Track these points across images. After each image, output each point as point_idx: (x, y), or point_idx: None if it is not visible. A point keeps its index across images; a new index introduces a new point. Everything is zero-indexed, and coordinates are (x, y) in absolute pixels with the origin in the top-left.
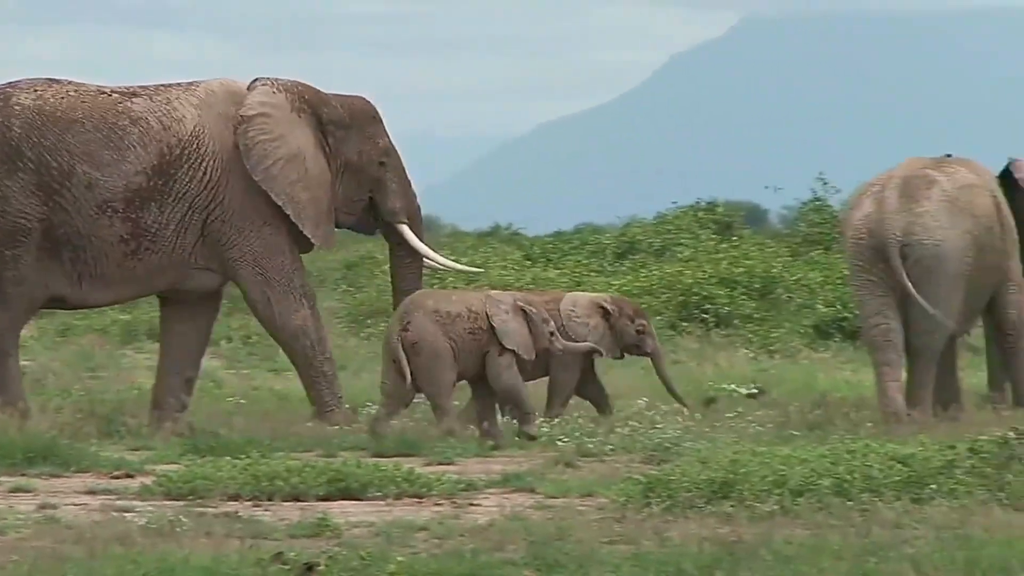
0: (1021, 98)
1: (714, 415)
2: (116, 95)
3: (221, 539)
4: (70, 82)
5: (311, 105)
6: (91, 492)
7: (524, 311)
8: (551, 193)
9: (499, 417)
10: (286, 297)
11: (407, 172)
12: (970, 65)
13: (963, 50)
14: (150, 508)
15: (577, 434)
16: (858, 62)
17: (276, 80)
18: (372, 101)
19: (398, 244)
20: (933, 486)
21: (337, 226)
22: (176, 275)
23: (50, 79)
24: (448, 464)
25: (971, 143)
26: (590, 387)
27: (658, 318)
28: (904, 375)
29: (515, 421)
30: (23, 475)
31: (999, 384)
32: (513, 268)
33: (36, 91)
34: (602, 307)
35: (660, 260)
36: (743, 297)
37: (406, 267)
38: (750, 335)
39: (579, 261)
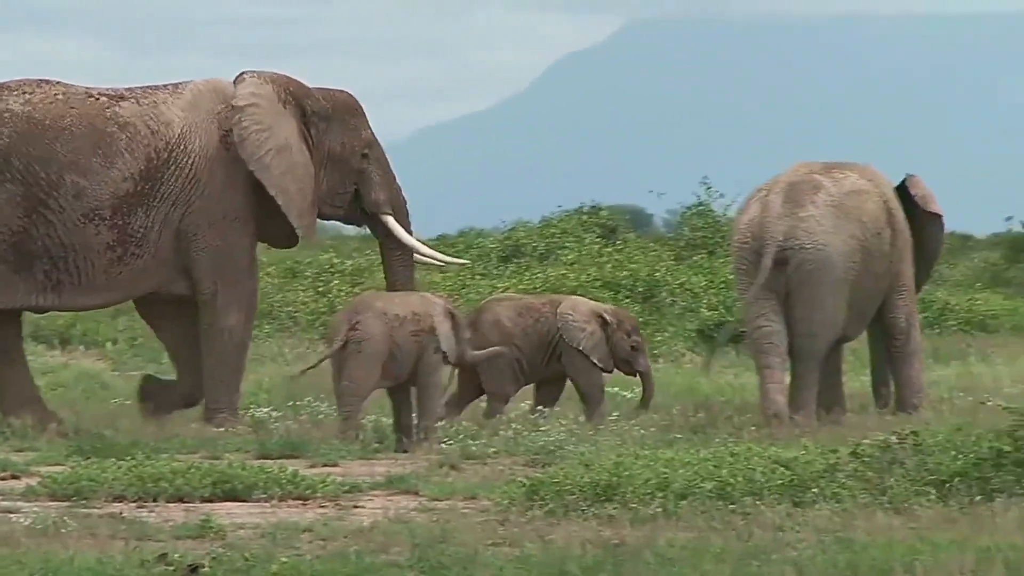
0: (900, 100)
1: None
2: (104, 99)
3: (106, 540)
4: (59, 83)
5: (295, 97)
6: None
7: (453, 315)
8: (434, 197)
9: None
10: (231, 296)
11: (390, 165)
12: (850, 68)
13: (841, 54)
14: (35, 509)
15: (461, 437)
16: (741, 66)
17: (262, 73)
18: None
19: (386, 236)
20: (815, 490)
21: (325, 218)
22: (161, 277)
23: (40, 80)
24: (332, 466)
25: (851, 146)
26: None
27: None
28: (787, 378)
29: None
30: None
31: (883, 387)
32: None
33: (26, 95)
34: (601, 316)
35: (544, 264)
36: (627, 301)
37: (396, 259)
38: None
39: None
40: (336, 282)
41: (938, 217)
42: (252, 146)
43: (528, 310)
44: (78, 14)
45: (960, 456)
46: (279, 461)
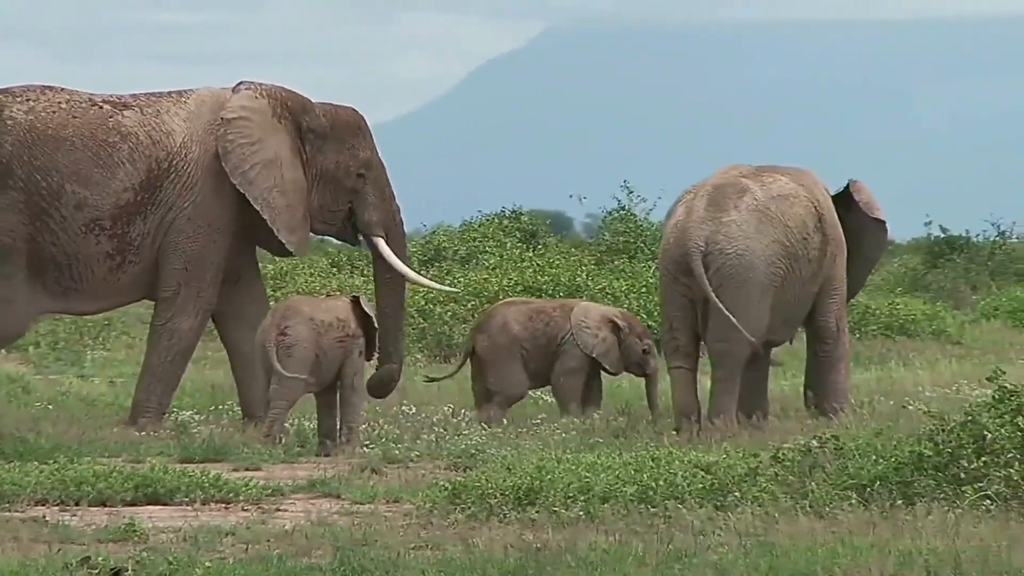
0: (820, 105)
1: (520, 421)
2: (107, 107)
3: (28, 544)
4: (64, 90)
5: (291, 112)
6: None
7: (370, 319)
8: None
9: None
10: (190, 302)
11: (390, 187)
12: (771, 75)
13: (763, 61)
14: None
15: (383, 440)
16: (660, 73)
17: (260, 85)
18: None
19: (377, 258)
20: (737, 493)
21: (318, 233)
22: (154, 281)
23: (45, 86)
24: (255, 470)
25: (772, 151)
26: (593, 391)
27: (464, 326)
28: (707, 381)
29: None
30: None
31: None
32: (319, 275)
33: (29, 103)
34: (613, 322)
35: (466, 267)
36: None
37: (386, 282)
38: None
39: None
40: None
41: (882, 223)
42: (236, 159)
43: (538, 314)
44: (11, 18)
45: (881, 460)
46: (202, 465)
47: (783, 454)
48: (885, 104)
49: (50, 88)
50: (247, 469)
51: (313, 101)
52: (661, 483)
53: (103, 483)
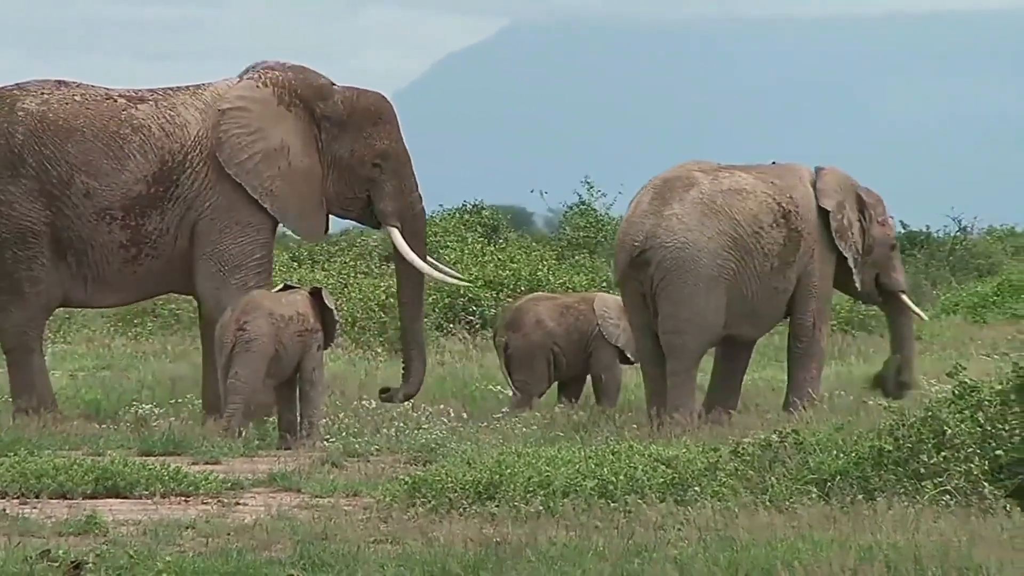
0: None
1: (480, 416)
2: (123, 100)
3: None
4: (79, 85)
5: (303, 99)
6: None
7: (330, 311)
8: None
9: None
10: (230, 296)
11: (412, 177)
12: (733, 71)
13: (724, 57)
14: None
15: (343, 434)
16: (624, 68)
17: (268, 71)
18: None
19: (393, 248)
20: (697, 488)
21: (338, 217)
22: (181, 278)
23: (59, 81)
24: (215, 463)
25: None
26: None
27: (424, 320)
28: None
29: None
30: None
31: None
32: (280, 270)
33: (43, 95)
34: None
35: (426, 261)
36: (509, 300)
37: (402, 273)
38: None
39: (346, 263)
40: None
41: (825, 213)
42: (230, 150)
43: (568, 310)
44: None
45: (841, 455)
46: (161, 458)
47: (743, 448)
48: (844, 101)
49: (65, 83)
50: (207, 463)
51: (336, 86)
52: (621, 477)
53: (63, 476)
